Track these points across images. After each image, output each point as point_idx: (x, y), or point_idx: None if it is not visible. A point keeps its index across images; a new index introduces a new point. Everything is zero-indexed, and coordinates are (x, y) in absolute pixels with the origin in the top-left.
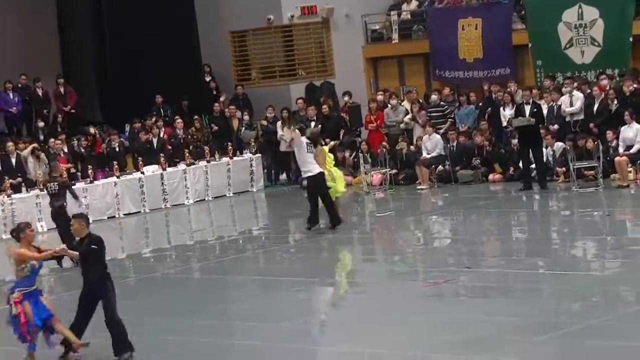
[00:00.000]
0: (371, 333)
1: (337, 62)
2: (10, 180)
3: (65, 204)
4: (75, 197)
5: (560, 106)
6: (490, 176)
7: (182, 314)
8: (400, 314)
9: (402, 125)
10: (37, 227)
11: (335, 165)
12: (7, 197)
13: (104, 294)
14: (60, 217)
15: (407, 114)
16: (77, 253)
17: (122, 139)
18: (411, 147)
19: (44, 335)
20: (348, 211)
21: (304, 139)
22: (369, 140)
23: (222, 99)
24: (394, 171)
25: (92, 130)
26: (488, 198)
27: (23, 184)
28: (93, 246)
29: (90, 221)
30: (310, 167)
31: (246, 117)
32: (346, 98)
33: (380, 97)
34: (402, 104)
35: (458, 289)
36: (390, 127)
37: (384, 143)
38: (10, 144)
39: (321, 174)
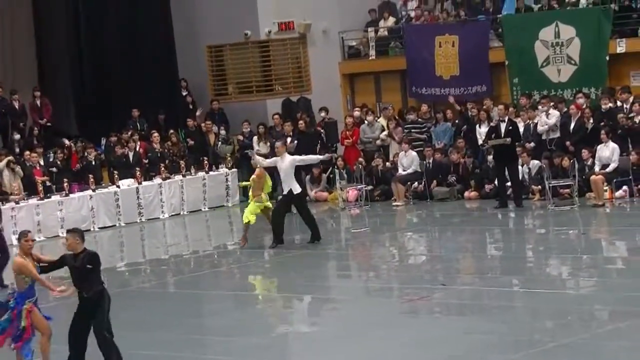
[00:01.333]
0: (345, 349)
1: (313, 78)
2: None
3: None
4: None
5: (536, 124)
6: (466, 193)
7: (156, 328)
8: (375, 330)
9: (378, 142)
10: (12, 239)
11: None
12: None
13: (99, 313)
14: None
15: (383, 130)
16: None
17: (98, 152)
18: (387, 163)
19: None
20: (323, 227)
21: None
22: (345, 156)
23: (198, 113)
24: (369, 187)
25: (67, 142)
26: (464, 215)
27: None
28: (89, 266)
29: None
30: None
31: (222, 132)
32: (322, 114)
33: (357, 113)
34: (379, 120)
35: (433, 306)
36: (366, 144)
37: (360, 159)
38: None
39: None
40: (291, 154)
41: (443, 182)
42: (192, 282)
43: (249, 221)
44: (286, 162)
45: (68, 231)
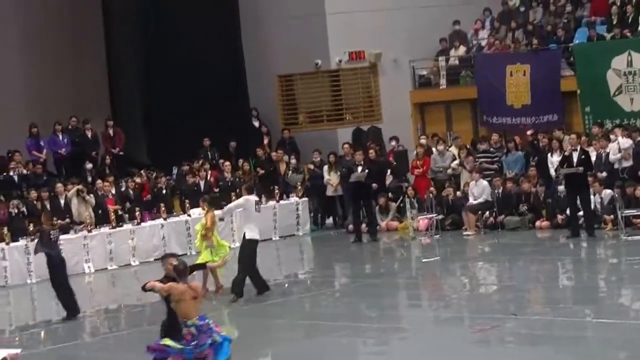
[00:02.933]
0: None
1: (384, 107)
2: (59, 221)
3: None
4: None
5: (608, 153)
6: (537, 223)
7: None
8: None
9: (449, 171)
10: (85, 268)
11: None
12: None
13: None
14: (60, 265)
15: (454, 159)
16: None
17: (169, 181)
18: (458, 192)
19: None
20: (393, 256)
21: (253, 198)
22: (416, 185)
23: (265, 142)
24: (440, 217)
25: (141, 172)
26: (535, 245)
27: (71, 225)
28: None
29: (137, 263)
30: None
31: (293, 161)
32: (393, 143)
33: (423, 141)
34: (450, 149)
35: (504, 336)
36: (437, 173)
37: (431, 188)
38: (59, 185)
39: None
40: (362, 182)
41: (514, 211)
42: (262, 311)
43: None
44: (237, 202)
45: (169, 256)
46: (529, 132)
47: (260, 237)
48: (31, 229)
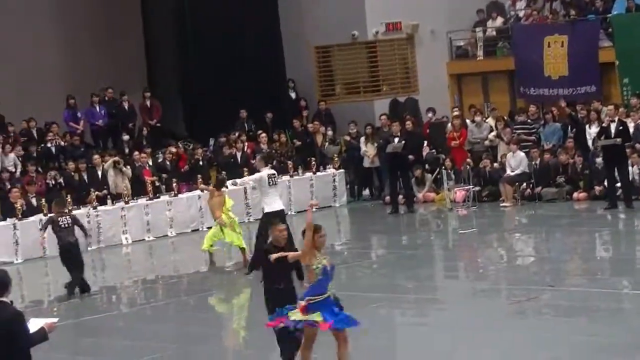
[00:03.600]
0: (452, 350)
1: (421, 79)
2: (96, 193)
3: (77, 239)
4: (85, 231)
5: None
6: (575, 194)
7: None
8: (482, 331)
9: (486, 143)
10: (122, 239)
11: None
12: (93, 209)
13: None
14: (73, 252)
15: (491, 131)
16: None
17: (206, 153)
18: (495, 164)
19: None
20: (430, 228)
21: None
22: (453, 156)
23: (304, 114)
24: (477, 188)
25: (178, 144)
26: (572, 216)
27: (108, 196)
28: None
29: (174, 234)
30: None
31: (330, 133)
32: (430, 114)
33: (456, 113)
34: (487, 121)
35: (540, 308)
36: (474, 144)
37: (468, 160)
38: (96, 156)
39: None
40: (398, 154)
41: (551, 183)
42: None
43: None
44: (256, 176)
45: (278, 222)
46: (562, 103)
47: (280, 207)
48: (42, 217)
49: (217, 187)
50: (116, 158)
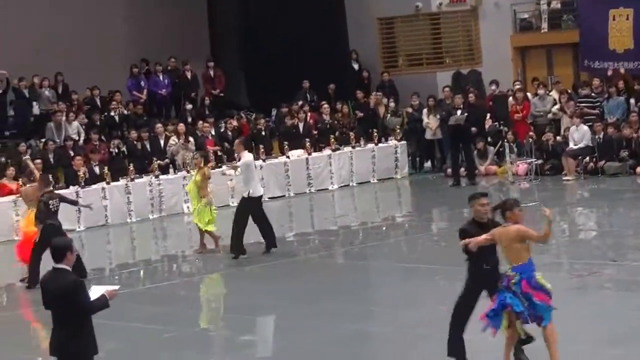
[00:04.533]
0: None
1: (484, 51)
2: (158, 162)
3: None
4: (74, 202)
5: None
6: (638, 169)
7: (323, 299)
8: None
9: (549, 116)
10: (184, 208)
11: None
12: (155, 177)
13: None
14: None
15: (554, 104)
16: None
17: (268, 123)
18: (558, 137)
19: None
20: (491, 200)
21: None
22: (515, 130)
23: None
24: (539, 161)
25: (240, 114)
26: (635, 191)
27: (170, 165)
28: None
29: (235, 204)
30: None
31: (392, 104)
32: (493, 87)
33: (519, 85)
34: (550, 94)
35: (603, 282)
36: (537, 117)
37: (531, 133)
38: (159, 125)
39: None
40: (460, 126)
41: (615, 157)
42: (360, 254)
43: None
44: (243, 162)
45: (480, 195)
46: (622, 71)
47: (262, 191)
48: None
49: (204, 164)
50: (182, 142)
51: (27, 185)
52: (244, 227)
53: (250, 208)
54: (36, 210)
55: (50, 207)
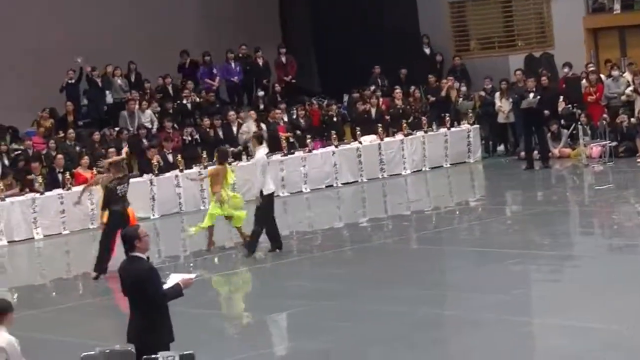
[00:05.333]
0: (586, 307)
1: (556, 33)
2: (231, 149)
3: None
4: None
5: None
6: None
7: (397, 284)
8: (617, 288)
9: (623, 98)
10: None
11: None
12: (228, 164)
13: None
14: (123, 221)
15: (628, 85)
16: None
17: (340, 109)
18: (632, 119)
19: None
20: (565, 183)
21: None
22: (589, 112)
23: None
24: (613, 144)
25: (312, 100)
26: None
27: (243, 152)
28: None
29: (308, 190)
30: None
31: (464, 88)
32: (566, 69)
33: (592, 67)
34: (624, 75)
35: None
36: (610, 99)
37: (604, 115)
38: (231, 113)
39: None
40: (533, 109)
41: None
42: (434, 239)
43: (209, 225)
44: (256, 158)
45: None
46: None
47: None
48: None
49: (220, 161)
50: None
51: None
52: (274, 222)
53: (269, 203)
54: (103, 197)
55: (118, 192)
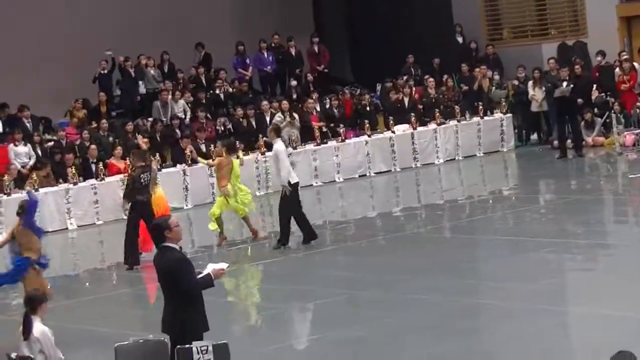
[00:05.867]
0: (620, 295)
1: (590, 21)
2: (264, 139)
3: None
4: None
5: None
6: None
7: (432, 273)
8: None
9: None
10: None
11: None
12: (261, 154)
13: None
14: (148, 211)
15: None
16: None
17: (373, 98)
18: None
19: None
20: (599, 172)
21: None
22: (622, 100)
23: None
24: None
25: (344, 90)
26: None
27: None
28: None
29: (341, 179)
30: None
31: (496, 77)
32: (599, 58)
33: (626, 56)
34: None
35: None
36: None
37: (638, 103)
38: (264, 103)
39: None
40: (567, 98)
41: None
42: (467, 228)
43: (216, 217)
44: (273, 151)
45: None
46: None
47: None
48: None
49: (226, 153)
50: (289, 119)
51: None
52: (301, 213)
53: (294, 193)
54: (125, 187)
55: (142, 180)
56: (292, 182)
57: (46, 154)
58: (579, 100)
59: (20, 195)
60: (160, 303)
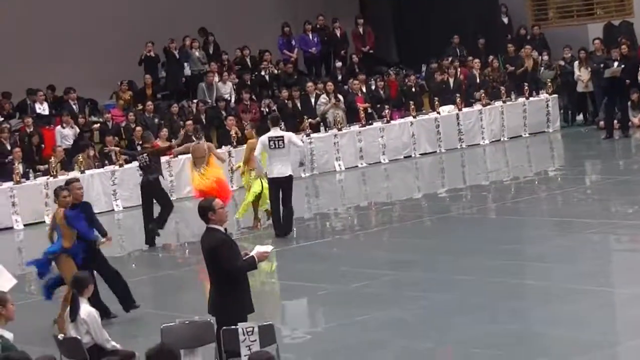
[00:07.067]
0: None
1: (636, 1)
2: (309, 120)
3: (160, 176)
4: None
5: None
6: None
7: (476, 254)
8: None
9: None
10: (335, 166)
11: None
12: (306, 136)
13: None
14: (155, 190)
15: None
16: None
17: (418, 79)
18: None
19: None
20: None
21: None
22: None
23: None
24: None
25: (389, 71)
26: None
27: (321, 123)
28: None
29: (386, 161)
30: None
31: (545, 57)
32: None
33: None
34: None
35: None
36: None
37: None
38: (309, 84)
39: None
40: (616, 79)
41: None
42: (513, 209)
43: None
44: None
45: None
46: None
47: (279, 173)
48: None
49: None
50: (334, 102)
51: (195, 142)
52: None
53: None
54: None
55: (141, 162)
56: (268, 176)
57: (92, 135)
58: (627, 80)
59: (64, 177)
60: (207, 285)
